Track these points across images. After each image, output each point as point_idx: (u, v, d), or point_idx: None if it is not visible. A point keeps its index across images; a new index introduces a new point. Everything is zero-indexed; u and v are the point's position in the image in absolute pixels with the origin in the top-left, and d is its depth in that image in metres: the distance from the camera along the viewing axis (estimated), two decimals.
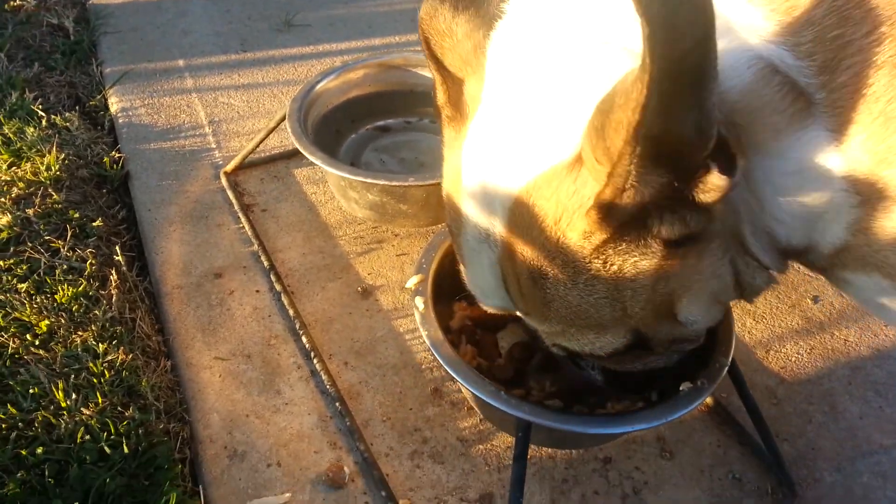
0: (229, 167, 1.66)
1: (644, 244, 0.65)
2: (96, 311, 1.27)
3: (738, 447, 1.17)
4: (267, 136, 1.58)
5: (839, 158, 0.61)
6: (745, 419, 1.14)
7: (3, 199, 1.48)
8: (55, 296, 1.29)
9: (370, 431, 1.17)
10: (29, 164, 1.59)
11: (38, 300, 1.28)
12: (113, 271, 1.37)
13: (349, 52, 2.14)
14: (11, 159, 1.61)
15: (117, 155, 1.71)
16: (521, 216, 0.69)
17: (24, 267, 1.34)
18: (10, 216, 1.43)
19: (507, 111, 0.71)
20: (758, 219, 0.68)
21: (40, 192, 1.51)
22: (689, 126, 0.53)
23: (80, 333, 1.23)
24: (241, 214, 1.56)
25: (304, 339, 1.30)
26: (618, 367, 0.91)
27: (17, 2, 2.32)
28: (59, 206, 1.49)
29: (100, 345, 1.20)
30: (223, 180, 1.65)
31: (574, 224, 0.65)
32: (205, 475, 1.10)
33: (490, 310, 0.87)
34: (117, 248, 1.44)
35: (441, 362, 0.92)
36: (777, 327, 1.38)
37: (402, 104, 1.67)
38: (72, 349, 1.20)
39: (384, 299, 1.40)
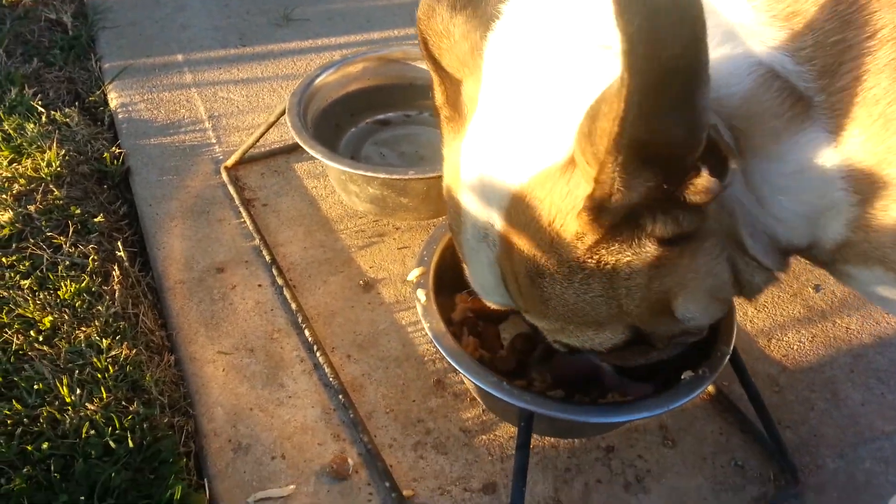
0: (230, 162, 1.66)
1: (637, 243, 0.65)
2: (99, 307, 1.27)
3: (740, 435, 1.17)
4: (267, 130, 1.58)
5: (838, 158, 0.62)
6: (747, 407, 1.14)
7: (4, 196, 1.48)
8: (58, 292, 1.29)
9: (373, 423, 1.17)
10: (29, 161, 1.59)
11: (41, 296, 1.28)
12: (115, 267, 1.38)
13: (348, 46, 2.14)
14: (12, 156, 1.61)
15: (117, 150, 1.71)
16: (517, 216, 0.70)
17: (27, 263, 1.35)
18: (11, 213, 1.43)
19: (504, 113, 0.72)
20: (757, 220, 0.68)
21: (41, 189, 1.51)
22: (677, 130, 0.54)
23: (83, 329, 1.23)
24: (242, 209, 1.56)
25: (306, 332, 1.30)
26: (620, 363, 0.92)
27: None
28: (61, 202, 1.49)
29: (103, 340, 1.21)
30: (224, 175, 1.65)
31: (567, 225, 0.66)
32: (209, 468, 1.11)
33: (492, 306, 0.87)
34: (119, 243, 1.44)
35: (443, 354, 0.92)
36: (779, 316, 1.38)
37: (401, 98, 1.67)
38: (75, 345, 1.20)
39: (386, 292, 1.40)
